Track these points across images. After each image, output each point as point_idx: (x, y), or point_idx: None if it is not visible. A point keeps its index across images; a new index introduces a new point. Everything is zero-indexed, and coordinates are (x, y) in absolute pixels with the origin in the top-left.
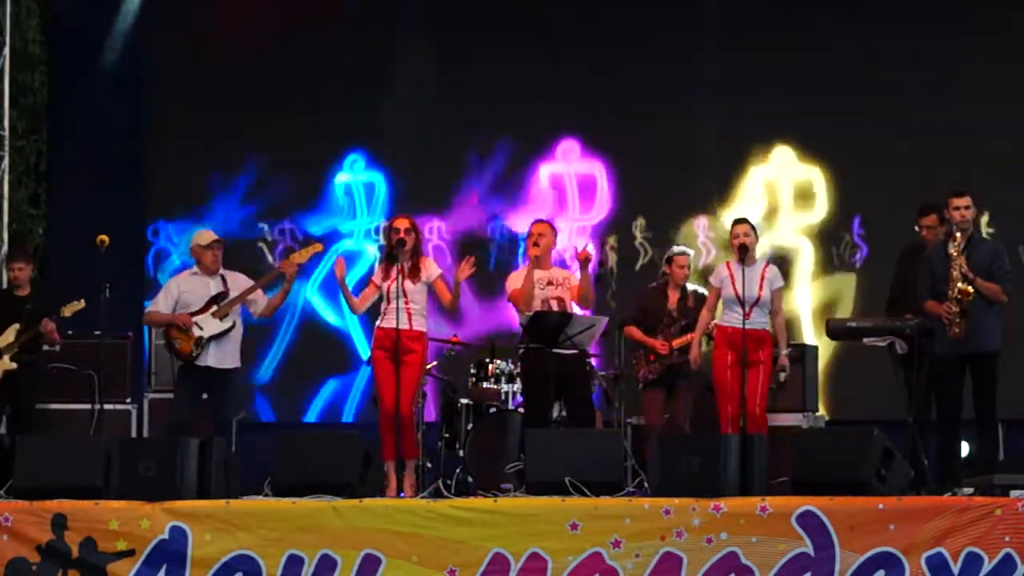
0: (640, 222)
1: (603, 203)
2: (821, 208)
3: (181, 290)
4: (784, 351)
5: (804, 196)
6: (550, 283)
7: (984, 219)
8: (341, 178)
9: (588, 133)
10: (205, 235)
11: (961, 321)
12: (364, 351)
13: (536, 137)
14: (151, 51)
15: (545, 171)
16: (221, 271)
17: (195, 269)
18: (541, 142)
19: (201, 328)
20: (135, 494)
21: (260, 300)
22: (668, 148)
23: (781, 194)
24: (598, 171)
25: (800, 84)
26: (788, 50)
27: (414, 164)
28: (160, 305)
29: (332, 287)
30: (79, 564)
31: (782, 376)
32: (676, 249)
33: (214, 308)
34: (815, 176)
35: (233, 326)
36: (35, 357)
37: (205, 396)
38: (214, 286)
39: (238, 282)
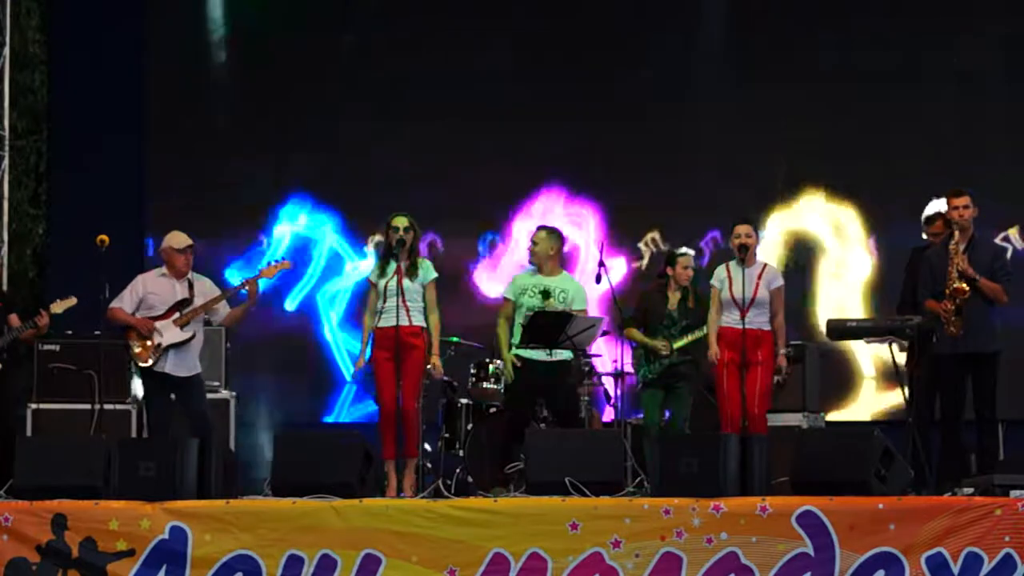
0: (653, 235)
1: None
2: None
3: (147, 291)
4: (782, 351)
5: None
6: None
7: (1014, 230)
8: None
9: (581, 164)
10: (179, 238)
11: (956, 319)
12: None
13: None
14: (151, 51)
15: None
16: (189, 275)
17: (164, 270)
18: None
19: (161, 335)
20: (135, 494)
21: (221, 310)
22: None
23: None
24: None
25: (801, 108)
26: (790, 79)
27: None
28: (125, 302)
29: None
30: (79, 564)
31: (777, 379)
32: (680, 250)
33: (176, 315)
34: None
35: (193, 336)
36: (9, 357)
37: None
38: (180, 291)
39: (204, 288)
